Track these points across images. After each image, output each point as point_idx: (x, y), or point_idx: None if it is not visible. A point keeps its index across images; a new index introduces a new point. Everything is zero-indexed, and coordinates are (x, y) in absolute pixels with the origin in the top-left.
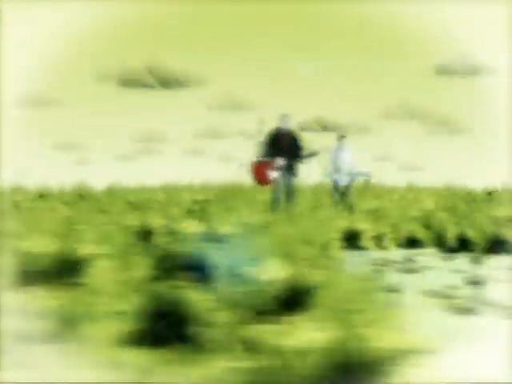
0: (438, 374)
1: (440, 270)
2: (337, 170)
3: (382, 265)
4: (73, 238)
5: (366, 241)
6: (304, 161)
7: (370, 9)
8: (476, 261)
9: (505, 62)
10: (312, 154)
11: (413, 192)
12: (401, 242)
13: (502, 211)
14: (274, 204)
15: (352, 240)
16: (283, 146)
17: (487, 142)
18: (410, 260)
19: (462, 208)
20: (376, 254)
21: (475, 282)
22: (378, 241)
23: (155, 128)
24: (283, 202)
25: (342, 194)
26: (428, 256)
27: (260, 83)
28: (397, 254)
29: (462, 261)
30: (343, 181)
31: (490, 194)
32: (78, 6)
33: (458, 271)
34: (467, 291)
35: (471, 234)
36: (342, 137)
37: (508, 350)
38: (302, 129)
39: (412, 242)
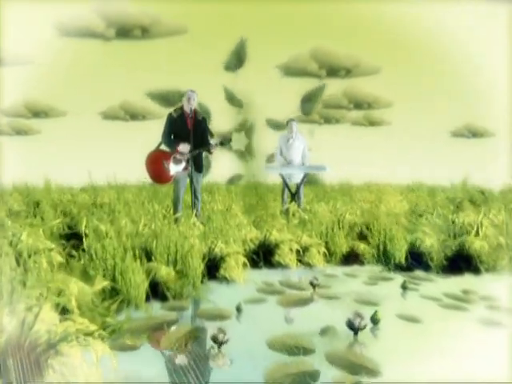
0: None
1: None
2: (287, 163)
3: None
4: None
5: (283, 256)
6: (213, 150)
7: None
8: (404, 286)
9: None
10: (223, 142)
11: (385, 192)
12: (334, 257)
13: (469, 216)
14: (176, 206)
15: (268, 254)
16: (187, 132)
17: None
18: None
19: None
20: (287, 272)
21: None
22: (305, 256)
23: None
24: (192, 203)
25: (293, 194)
26: (354, 276)
27: None
28: (309, 272)
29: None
30: (295, 177)
31: (483, 193)
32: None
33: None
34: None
35: (426, 246)
36: (291, 121)
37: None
38: None
39: (350, 257)
